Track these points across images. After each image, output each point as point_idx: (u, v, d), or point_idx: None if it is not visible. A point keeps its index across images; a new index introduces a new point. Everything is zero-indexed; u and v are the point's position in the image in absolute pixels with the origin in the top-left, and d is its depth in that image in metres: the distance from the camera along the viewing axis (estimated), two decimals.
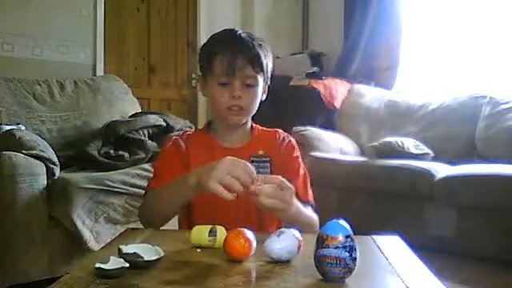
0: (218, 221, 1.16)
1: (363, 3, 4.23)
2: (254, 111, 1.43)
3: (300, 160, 1.47)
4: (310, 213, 1.36)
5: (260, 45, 1.38)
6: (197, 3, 4.18)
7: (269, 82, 1.45)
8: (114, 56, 3.75)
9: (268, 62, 1.40)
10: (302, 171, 1.45)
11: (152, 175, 1.48)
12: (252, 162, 1.32)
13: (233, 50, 1.34)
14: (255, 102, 1.40)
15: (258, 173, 1.18)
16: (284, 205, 1.14)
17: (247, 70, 1.34)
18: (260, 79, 1.38)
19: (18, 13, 3.18)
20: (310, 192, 1.43)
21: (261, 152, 1.41)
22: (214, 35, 1.43)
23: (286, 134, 1.51)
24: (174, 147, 1.45)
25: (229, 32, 1.41)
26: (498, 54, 3.73)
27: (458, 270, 2.43)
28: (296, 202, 1.23)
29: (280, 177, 1.16)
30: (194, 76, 4.17)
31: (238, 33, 1.39)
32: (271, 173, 1.29)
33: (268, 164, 1.39)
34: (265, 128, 1.51)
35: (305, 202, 1.36)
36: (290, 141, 1.48)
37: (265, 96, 1.45)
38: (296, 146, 1.49)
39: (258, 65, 1.35)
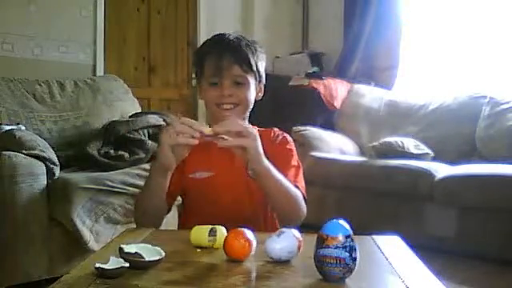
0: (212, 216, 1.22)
1: (363, 3, 4.22)
2: (250, 107, 1.44)
3: (294, 153, 1.48)
4: (294, 188, 1.35)
5: (248, 45, 1.41)
6: (197, 3, 4.18)
7: (263, 81, 1.47)
8: (114, 56, 3.75)
9: (258, 62, 1.42)
10: (294, 163, 1.45)
11: None
12: None
13: (220, 50, 1.39)
14: (249, 97, 1.42)
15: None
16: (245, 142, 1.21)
17: (234, 69, 1.38)
18: (250, 78, 1.41)
19: (18, 13, 3.18)
20: (301, 183, 1.42)
21: None
22: (205, 41, 1.48)
23: (281, 131, 1.53)
24: None
25: (218, 36, 1.46)
26: (498, 53, 3.73)
27: (457, 270, 2.43)
28: (276, 172, 1.28)
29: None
30: (193, 76, 4.15)
31: (227, 35, 1.44)
32: None
33: None
34: (262, 128, 1.52)
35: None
36: (284, 136, 1.51)
37: (260, 95, 1.48)
38: (290, 141, 1.50)
39: (245, 64, 1.39)
